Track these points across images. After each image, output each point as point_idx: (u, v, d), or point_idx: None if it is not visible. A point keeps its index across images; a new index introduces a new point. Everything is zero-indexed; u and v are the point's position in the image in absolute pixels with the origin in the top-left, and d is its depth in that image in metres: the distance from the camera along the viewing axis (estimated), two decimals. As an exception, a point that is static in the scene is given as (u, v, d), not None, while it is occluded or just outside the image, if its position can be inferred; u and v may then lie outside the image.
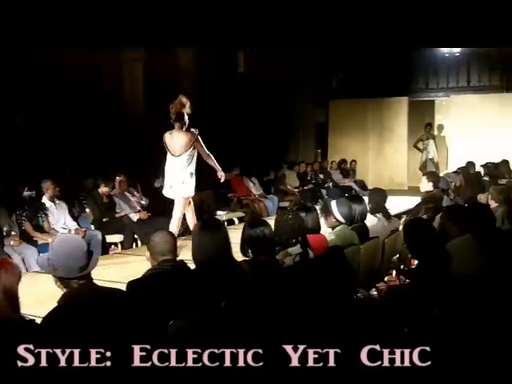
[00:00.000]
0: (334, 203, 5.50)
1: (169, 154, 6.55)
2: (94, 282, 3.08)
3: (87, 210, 8.62)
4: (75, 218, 8.06)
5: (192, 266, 3.87)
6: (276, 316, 3.52)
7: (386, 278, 6.34)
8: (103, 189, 8.36)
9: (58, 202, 7.68)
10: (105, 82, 12.13)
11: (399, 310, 3.61)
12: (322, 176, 14.47)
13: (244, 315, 3.51)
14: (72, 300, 2.91)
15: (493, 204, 6.14)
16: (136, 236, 8.28)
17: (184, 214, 6.85)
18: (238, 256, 4.14)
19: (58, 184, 7.79)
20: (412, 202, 8.48)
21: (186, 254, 3.94)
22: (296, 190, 12.97)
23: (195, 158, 6.57)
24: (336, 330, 3.40)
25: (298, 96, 16.82)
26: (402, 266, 6.37)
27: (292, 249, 4.40)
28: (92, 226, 8.23)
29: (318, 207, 5.92)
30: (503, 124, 14.75)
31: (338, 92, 17.38)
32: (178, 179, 6.53)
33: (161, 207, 9.12)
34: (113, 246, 8.36)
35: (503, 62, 15.71)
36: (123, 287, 3.50)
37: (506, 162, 12.76)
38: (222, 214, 10.18)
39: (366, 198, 6.31)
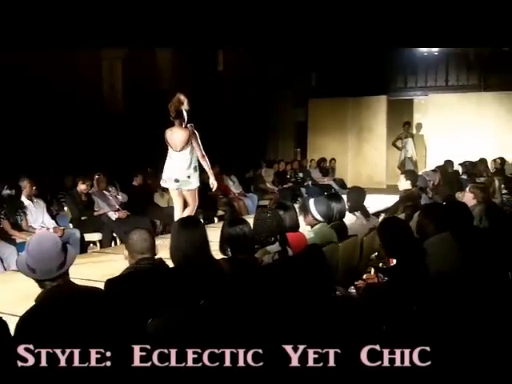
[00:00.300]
0: (311, 202, 5.51)
1: (170, 150, 6.72)
2: (72, 280, 3.06)
3: (65, 208, 8.56)
4: (53, 217, 8.01)
5: (171, 264, 3.86)
6: (255, 314, 3.52)
7: (364, 276, 6.36)
8: (82, 187, 8.29)
9: (36, 200, 7.61)
10: (83, 80, 12.04)
11: (377, 308, 3.63)
12: (301, 174, 14.50)
13: (223, 313, 3.51)
14: (49, 299, 2.89)
15: (471, 202, 6.19)
16: (115, 234, 8.24)
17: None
18: (217, 254, 4.14)
19: (35, 182, 7.72)
20: (391, 200, 8.52)
21: (165, 253, 3.93)
22: (276, 189, 12.97)
23: (194, 153, 6.76)
24: (315, 327, 3.41)
25: (277, 95, 16.85)
26: (380, 264, 6.41)
27: (271, 247, 4.40)
28: (70, 225, 8.16)
29: (297, 205, 5.93)
30: (481, 123, 14.90)
31: (317, 91, 17.42)
32: (184, 173, 6.69)
33: (139, 206, 9.12)
34: (91, 245, 8.31)
35: (481, 61, 15.87)
36: (102, 286, 3.48)
37: (483, 160, 12.89)
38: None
39: (345, 197, 6.34)
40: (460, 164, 12.02)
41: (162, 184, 6.94)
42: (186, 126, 6.68)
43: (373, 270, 6.54)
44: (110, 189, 9.18)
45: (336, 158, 15.80)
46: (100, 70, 12.49)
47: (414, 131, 16.32)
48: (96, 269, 5.76)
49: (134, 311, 3.16)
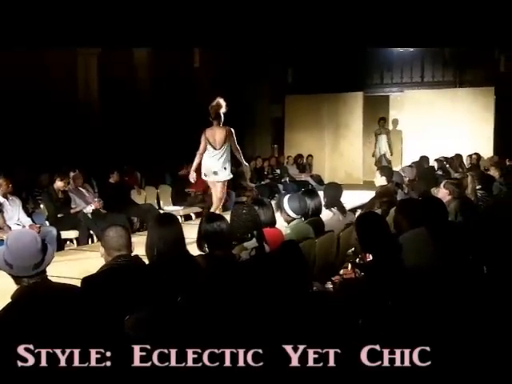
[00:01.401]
0: (285, 199, 5.55)
1: (209, 147, 7.73)
2: (49, 278, 3.05)
3: (42, 205, 8.50)
4: (29, 214, 7.94)
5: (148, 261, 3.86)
6: (232, 310, 3.53)
7: (341, 272, 6.41)
8: (59, 184, 8.23)
9: (11, 197, 7.54)
10: (58, 76, 11.94)
11: (353, 303, 3.66)
12: (278, 171, 14.53)
13: (200, 310, 3.52)
14: (26, 296, 2.87)
15: (446, 198, 6.25)
16: (92, 232, 8.20)
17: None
18: (195, 251, 4.15)
19: (10, 180, 7.66)
20: (367, 196, 8.58)
21: (142, 250, 3.92)
22: (253, 186, 12.98)
23: (229, 149, 7.81)
24: (291, 322, 3.43)
25: (254, 91, 16.86)
26: (357, 260, 6.45)
27: (248, 243, 4.42)
28: (47, 222, 8.11)
29: (273, 202, 5.95)
30: (456, 118, 15.05)
31: (293, 87, 17.46)
32: (221, 166, 7.75)
33: (116, 203, 9.08)
34: (68, 242, 8.26)
35: (456, 58, 16.03)
36: (78, 283, 3.47)
37: (459, 156, 13.04)
38: (178, 209, 10.15)
39: (321, 193, 6.37)
40: (435, 160, 12.12)
41: (203, 177, 7.91)
42: (223, 126, 7.77)
43: (350, 266, 6.58)
44: (87, 186, 9.14)
45: (313, 155, 15.87)
46: (75, 66, 12.40)
47: (391, 127, 16.42)
48: (73, 266, 5.74)
49: (111, 309, 3.15)
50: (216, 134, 7.72)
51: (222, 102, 7.79)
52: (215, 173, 7.76)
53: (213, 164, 7.73)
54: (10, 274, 2.96)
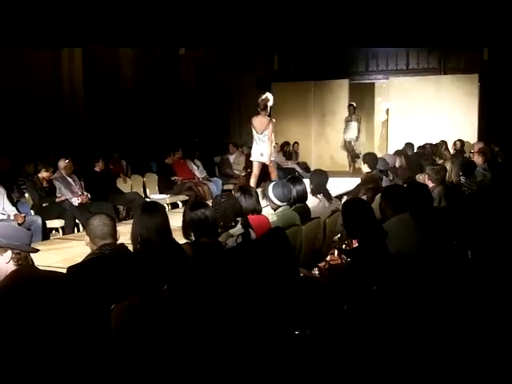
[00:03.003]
0: (270, 186, 5.56)
1: (255, 132, 9.57)
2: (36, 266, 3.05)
3: (26, 194, 8.45)
4: (14, 204, 7.89)
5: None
6: (220, 297, 3.55)
7: (327, 258, 6.43)
8: (44, 174, 8.19)
9: (-5, 187, 7.50)
10: (42, 68, 11.85)
11: (339, 288, 3.68)
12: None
13: (187, 297, 3.53)
14: (13, 283, 2.87)
15: (430, 184, 6.29)
16: (77, 221, 8.17)
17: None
18: (182, 239, 4.15)
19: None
20: (353, 183, 8.60)
21: (128, 238, 3.92)
22: (241, 174, 12.97)
23: (271, 137, 9.58)
24: (279, 308, 3.45)
25: (240, 79, 16.83)
26: (343, 246, 6.48)
27: (233, 230, 4.43)
28: (32, 212, 8.07)
29: (259, 190, 5.97)
30: (441, 105, 15.11)
31: (279, 75, 17.42)
32: (265, 149, 9.47)
33: (101, 191, 9.05)
34: (54, 232, 8.22)
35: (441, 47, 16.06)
36: (65, 272, 3.46)
37: (443, 142, 13.09)
38: (165, 198, 10.14)
39: (308, 180, 6.39)
40: (420, 146, 12.18)
41: (252, 159, 9.79)
42: (267, 116, 9.61)
43: (336, 252, 6.60)
44: (73, 176, 9.08)
45: (299, 142, 15.86)
46: (59, 57, 12.30)
47: (376, 114, 16.44)
48: (59, 255, 5.72)
49: (96, 297, 3.15)
50: (260, 121, 9.54)
51: (270, 96, 9.67)
52: (261, 154, 9.55)
53: (259, 147, 9.56)
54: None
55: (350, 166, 15.55)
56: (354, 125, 15.41)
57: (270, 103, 9.63)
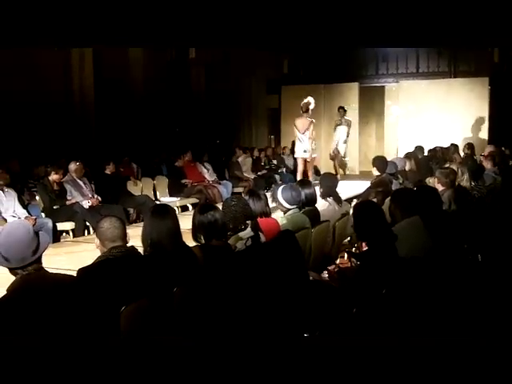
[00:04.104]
0: (279, 190, 5.57)
1: (298, 132, 10.87)
2: (45, 269, 3.06)
3: (37, 197, 8.49)
4: (25, 206, 7.93)
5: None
6: (229, 300, 3.55)
7: (337, 261, 6.43)
8: (54, 177, 8.23)
9: (6, 189, 7.54)
10: (53, 70, 11.91)
11: (348, 291, 3.68)
12: (275, 161, 14.54)
13: (197, 300, 3.54)
14: (22, 287, 2.89)
15: (440, 187, 6.28)
16: (88, 223, 8.20)
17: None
18: (192, 242, 4.16)
19: (6, 172, 7.68)
20: (363, 186, 8.60)
21: (139, 241, 3.93)
22: (251, 176, 12.99)
23: (313, 136, 10.88)
24: (289, 312, 3.45)
25: (250, 82, 16.86)
26: (353, 249, 6.48)
27: (243, 233, 4.43)
28: (42, 214, 8.10)
29: (269, 193, 5.98)
30: (451, 109, 15.07)
31: (289, 78, 17.45)
32: (308, 147, 10.73)
33: (112, 194, 9.08)
34: (64, 234, 8.26)
35: (451, 48, 16.01)
36: (75, 275, 3.48)
37: (454, 146, 13.05)
38: (175, 201, 10.16)
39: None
40: (430, 150, 12.15)
41: (296, 156, 11.22)
42: (309, 117, 10.83)
43: (346, 255, 6.60)
44: (84, 179, 9.12)
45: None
46: (70, 59, 12.36)
47: (386, 117, 16.40)
48: (69, 258, 5.75)
49: (107, 300, 3.17)
50: (302, 122, 10.86)
51: (311, 100, 10.96)
52: (304, 151, 10.79)
53: (302, 145, 10.83)
54: (7, 268, 2.97)
55: (337, 172, 14.24)
56: (343, 128, 14.66)
57: (311, 106, 10.92)
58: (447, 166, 7.95)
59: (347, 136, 14.70)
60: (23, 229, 2.98)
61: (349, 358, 2.90)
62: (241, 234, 4.43)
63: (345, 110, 14.74)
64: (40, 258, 2.99)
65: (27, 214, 7.61)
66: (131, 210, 9.16)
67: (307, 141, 10.75)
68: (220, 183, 11.73)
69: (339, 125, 14.72)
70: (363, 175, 13.58)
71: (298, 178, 10.49)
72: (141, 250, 3.83)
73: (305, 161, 10.92)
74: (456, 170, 6.93)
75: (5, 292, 2.91)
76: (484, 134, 14.86)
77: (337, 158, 14.70)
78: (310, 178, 10.16)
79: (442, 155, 12.00)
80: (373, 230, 3.99)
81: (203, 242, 4.16)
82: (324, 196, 6.37)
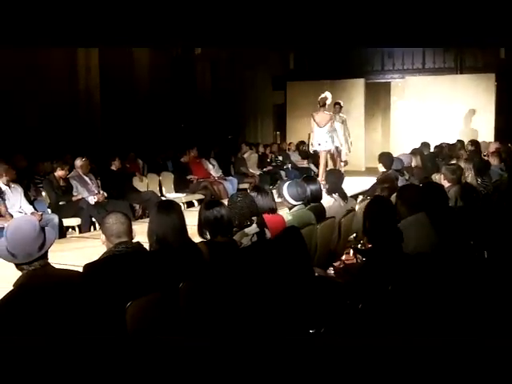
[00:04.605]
0: (285, 186, 5.57)
1: (316, 126, 11.31)
2: (52, 265, 3.07)
3: (43, 193, 8.51)
4: (31, 202, 7.95)
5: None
6: (234, 296, 3.55)
7: (343, 257, 6.43)
8: (60, 173, 8.25)
9: (13, 185, 7.55)
10: (59, 67, 11.92)
11: (354, 287, 3.68)
12: (280, 158, 14.52)
13: (202, 296, 3.54)
14: (28, 283, 2.90)
15: (446, 184, 6.27)
16: (94, 219, 8.21)
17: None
18: (197, 238, 4.16)
19: (13, 168, 7.70)
20: (369, 182, 8.59)
21: (144, 237, 3.94)
22: (258, 173, 12.98)
23: (332, 128, 11.40)
24: (294, 308, 3.45)
25: (255, 78, 16.85)
26: (359, 246, 6.47)
27: (248, 229, 4.43)
28: (49, 210, 8.12)
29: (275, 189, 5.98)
30: (457, 105, 15.04)
31: (295, 74, 17.43)
32: (324, 139, 11.25)
33: (118, 190, 9.09)
34: (70, 230, 8.28)
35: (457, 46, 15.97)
36: (81, 271, 3.49)
37: (460, 142, 13.01)
38: (181, 196, 10.17)
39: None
40: (437, 146, 12.11)
41: (312, 148, 11.69)
42: (327, 112, 11.37)
43: (351, 251, 6.60)
44: (90, 175, 9.14)
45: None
46: (76, 56, 12.36)
47: (392, 113, 16.36)
48: (75, 254, 5.77)
49: (113, 295, 3.17)
50: (321, 116, 11.32)
51: (328, 95, 11.48)
52: (320, 144, 11.30)
53: (319, 138, 11.29)
54: (14, 263, 2.98)
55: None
56: (336, 125, 13.14)
57: (328, 101, 11.44)
58: (453, 162, 7.94)
59: (343, 133, 13.34)
60: (30, 224, 2.99)
61: (354, 356, 2.91)
62: (246, 230, 4.43)
63: (341, 106, 13.56)
64: (46, 253, 3.00)
65: (33, 210, 7.63)
66: (137, 206, 9.17)
67: (326, 134, 11.25)
68: (225, 179, 11.73)
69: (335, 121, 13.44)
70: (369, 171, 13.55)
71: (321, 170, 11.30)
72: (146, 245, 3.84)
73: (327, 153, 11.47)
74: (459, 166, 6.92)
75: (11, 287, 2.91)
76: (490, 130, 14.81)
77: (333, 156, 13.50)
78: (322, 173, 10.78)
79: (448, 151, 11.97)
80: (384, 227, 3.98)
81: (209, 237, 4.17)
82: (330, 192, 6.37)
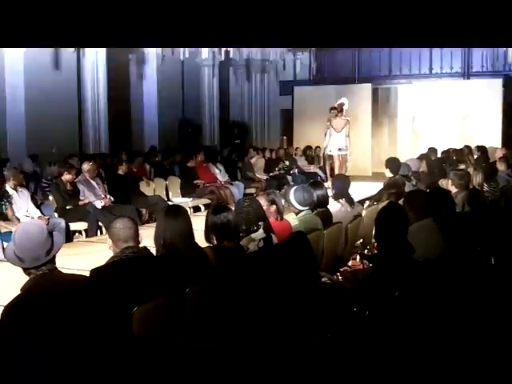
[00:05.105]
0: (291, 191, 5.56)
1: (333, 131, 11.89)
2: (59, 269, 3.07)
3: (50, 197, 8.52)
4: (38, 206, 7.97)
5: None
6: (241, 301, 3.55)
7: (349, 263, 6.42)
8: (67, 177, 8.26)
9: (20, 189, 7.58)
10: (66, 71, 11.95)
11: (361, 294, 3.67)
12: (287, 163, 14.51)
13: (209, 301, 3.54)
14: (35, 287, 2.90)
15: (453, 189, 6.25)
16: (100, 223, 8.22)
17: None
18: (204, 242, 4.16)
19: (20, 172, 7.73)
20: (375, 188, 8.57)
21: (151, 242, 3.93)
22: (265, 178, 12.96)
23: (349, 133, 11.95)
24: (301, 313, 3.44)
25: (262, 83, 16.87)
26: (365, 251, 6.46)
27: (255, 234, 4.43)
28: (55, 214, 8.13)
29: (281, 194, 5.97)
30: (464, 110, 15.02)
31: (302, 79, 17.45)
32: (342, 145, 11.82)
33: (125, 194, 9.10)
34: (77, 234, 8.28)
35: (464, 49, 15.96)
36: (87, 275, 3.48)
37: (467, 147, 12.98)
38: (187, 201, 10.17)
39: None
40: (444, 151, 12.09)
41: (328, 153, 12.18)
42: (343, 117, 11.94)
43: (358, 257, 6.59)
44: (97, 179, 9.15)
45: (321, 146, 15.81)
46: (83, 59, 12.39)
47: (399, 119, 16.33)
48: (82, 258, 5.76)
49: (119, 300, 3.17)
50: (337, 122, 11.89)
51: (345, 100, 12.10)
52: (339, 149, 11.85)
53: (336, 143, 11.82)
54: (22, 268, 2.99)
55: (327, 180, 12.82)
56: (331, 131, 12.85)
57: (345, 107, 11.98)
58: (461, 167, 7.92)
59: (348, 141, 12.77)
60: (37, 229, 2.99)
61: (359, 359, 2.89)
62: (253, 235, 4.42)
63: (338, 111, 12.75)
64: (54, 258, 3.00)
65: (40, 214, 7.65)
66: (143, 211, 9.17)
67: (344, 139, 11.80)
68: (232, 184, 11.72)
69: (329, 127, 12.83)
70: (376, 176, 13.51)
71: (337, 172, 11.56)
72: (153, 250, 3.84)
73: (342, 157, 11.95)
74: (468, 171, 6.90)
75: (18, 292, 2.92)
76: (497, 135, 14.78)
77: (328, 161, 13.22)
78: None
79: (455, 157, 11.94)
80: (395, 234, 3.96)
81: (215, 242, 4.16)
82: (336, 197, 6.36)
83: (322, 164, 14.63)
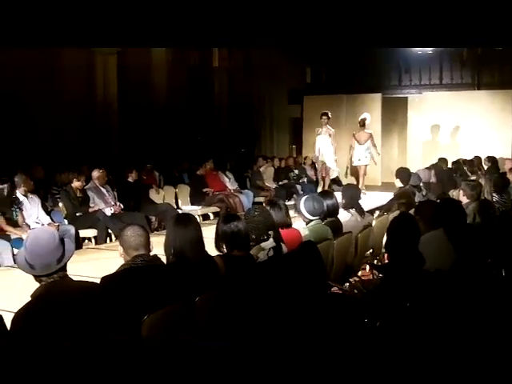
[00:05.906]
0: (301, 200, 5.55)
1: (356, 143, 13.02)
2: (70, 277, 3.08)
3: (60, 204, 8.55)
4: (48, 213, 8.00)
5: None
6: (251, 310, 3.54)
7: (359, 273, 6.40)
8: (76, 184, 8.29)
9: (30, 196, 7.60)
10: (76, 78, 11.98)
11: (371, 304, 3.65)
12: (296, 171, 14.50)
13: (219, 310, 3.53)
14: (46, 294, 2.90)
15: (464, 200, 6.23)
16: (110, 231, 8.24)
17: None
18: (213, 251, 4.16)
19: (30, 178, 7.75)
20: (385, 197, 8.56)
21: (161, 250, 3.93)
22: (274, 186, 12.97)
23: (371, 146, 13.06)
24: (310, 323, 3.43)
25: (272, 91, 16.90)
26: (375, 261, 6.44)
27: (265, 243, 4.43)
28: (65, 221, 8.16)
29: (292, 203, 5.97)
30: (474, 121, 14.98)
31: (312, 88, 17.46)
32: (363, 155, 12.94)
33: (134, 202, 9.12)
34: (86, 241, 8.31)
35: (475, 59, 15.95)
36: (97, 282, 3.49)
37: (477, 158, 12.95)
38: (196, 209, 10.18)
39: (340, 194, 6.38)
40: (454, 162, 12.06)
41: (354, 163, 13.27)
42: (367, 131, 13.04)
43: (368, 267, 6.57)
44: (107, 186, 9.18)
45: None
46: (94, 66, 12.41)
47: (409, 129, 16.31)
48: (91, 265, 5.78)
49: (130, 308, 3.17)
50: (361, 135, 12.99)
51: (368, 115, 13.14)
52: (359, 159, 12.92)
53: (359, 154, 12.94)
54: (33, 275, 2.99)
55: (322, 185, 13.20)
56: (323, 139, 12.89)
57: (367, 121, 13.00)
58: (473, 178, 7.89)
59: (330, 147, 12.82)
60: (49, 236, 2.99)
61: (360, 359, 2.88)
62: (263, 244, 4.42)
63: (329, 118, 12.83)
64: (65, 265, 3.00)
65: (50, 221, 7.68)
66: (153, 218, 9.19)
67: (365, 151, 12.89)
68: (241, 192, 11.72)
69: (319, 134, 12.92)
70: (386, 186, 13.49)
71: (361, 182, 12.72)
72: (163, 257, 3.84)
73: (365, 167, 13.09)
74: (479, 182, 6.88)
75: (29, 298, 2.92)
76: (507, 146, 14.73)
77: (322, 171, 13.30)
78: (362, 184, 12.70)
79: (465, 167, 11.91)
80: (406, 244, 3.94)
81: (225, 251, 4.16)
82: (346, 207, 6.35)
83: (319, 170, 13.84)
